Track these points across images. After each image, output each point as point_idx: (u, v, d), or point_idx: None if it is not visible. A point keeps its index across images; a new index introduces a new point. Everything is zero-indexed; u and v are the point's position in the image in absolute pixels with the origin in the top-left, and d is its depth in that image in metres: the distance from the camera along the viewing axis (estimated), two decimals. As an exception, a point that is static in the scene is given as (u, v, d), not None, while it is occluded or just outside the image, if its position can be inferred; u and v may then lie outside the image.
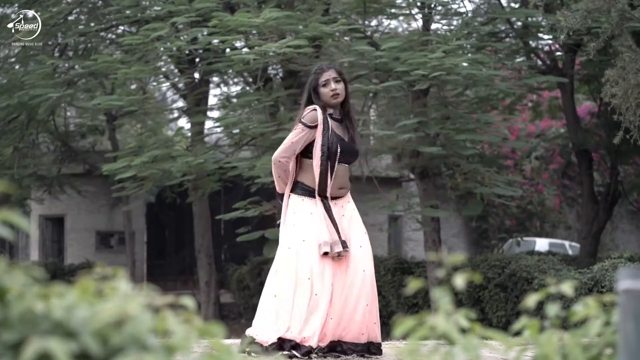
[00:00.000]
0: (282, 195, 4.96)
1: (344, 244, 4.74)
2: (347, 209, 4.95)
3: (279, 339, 4.62)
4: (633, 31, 8.15)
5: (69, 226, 18.13)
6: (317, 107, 4.84)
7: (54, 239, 18.57)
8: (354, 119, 4.99)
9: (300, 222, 4.81)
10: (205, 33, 9.45)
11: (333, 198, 4.88)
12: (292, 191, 4.92)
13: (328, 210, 4.81)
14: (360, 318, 4.70)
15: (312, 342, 4.59)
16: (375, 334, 4.76)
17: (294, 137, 4.84)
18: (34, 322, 1.43)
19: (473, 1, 12.42)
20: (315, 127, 4.81)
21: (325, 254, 4.69)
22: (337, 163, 4.83)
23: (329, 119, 4.85)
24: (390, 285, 11.99)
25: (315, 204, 4.81)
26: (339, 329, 4.68)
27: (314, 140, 4.82)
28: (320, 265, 4.70)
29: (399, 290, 11.79)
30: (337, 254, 4.70)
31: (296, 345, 4.60)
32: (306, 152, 4.87)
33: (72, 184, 15.96)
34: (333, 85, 4.83)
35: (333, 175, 4.83)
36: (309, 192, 4.85)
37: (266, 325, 4.70)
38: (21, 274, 1.51)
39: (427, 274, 10.64)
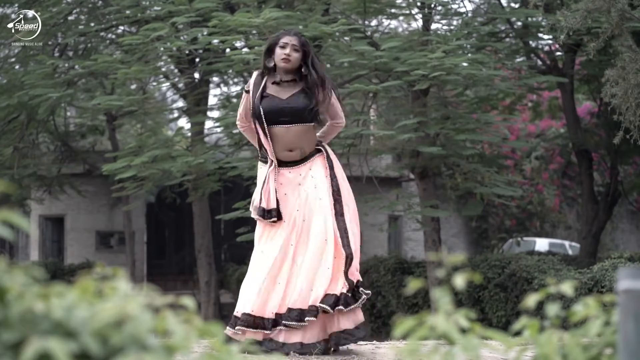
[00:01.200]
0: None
1: (267, 213, 4.72)
2: (306, 178, 4.81)
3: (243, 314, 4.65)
4: (633, 31, 8.15)
5: (69, 226, 18.14)
6: (256, 72, 4.87)
7: (54, 239, 18.57)
8: (316, 84, 4.80)
9: (257, 189, 4.85)
10: (205, 33, 9.44)
11: (289, 164, 4.81)
12: (258, 158, 4.97)
13: (271, 175, 4.77)
14: (324, 280, 4.63)
15: (268, 314, 4.60)
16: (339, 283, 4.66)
17: (242, 103, 4.94)
18: (34, 322, 1.43)
19: (473, 1, 12.42)
20: (248, 91, 4.86)
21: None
22: (268, 124, 4.75)
23: (265, 82, 4.81)
24: (390, 285, 12.00)
25: (268, 170, 4.81)
26: (304, 296, 4.63)
27: None
28: (262, 231, 4.77)
29: (399, 290, 11.79)
30: (259, 217, 4.73)
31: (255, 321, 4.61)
32: None
33: (72, 184, 15.96)
34: (287, 50, 4.76)
35: (268, 138, 4.76)
36: (265, 158, 4.85)
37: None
38: (21, 274, 1.51)
39: (427, 274, 10.64)
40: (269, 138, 4.77)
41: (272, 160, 4.78)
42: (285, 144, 4.77)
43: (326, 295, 4.58)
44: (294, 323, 4.57)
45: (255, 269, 4.75)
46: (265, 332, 4.60)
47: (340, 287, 4.61)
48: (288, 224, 4.73)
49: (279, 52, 4.78)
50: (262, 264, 4.70)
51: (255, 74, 4.88)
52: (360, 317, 4.75)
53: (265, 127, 4.76)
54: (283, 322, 4.59)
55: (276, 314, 4.62)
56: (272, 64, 4.81)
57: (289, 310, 4.61)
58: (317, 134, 4.99)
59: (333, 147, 10.42)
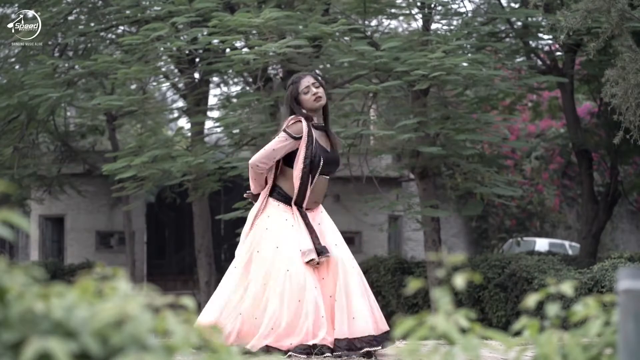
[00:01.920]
0: (256, 195, 4.97)
1: (324, 249, 4.75)
2: (319, 216, 4.96)
3: (267, 346, 4.60)
4: (633, 31, 8.15)
5: (69, 226, 18.13)
6: (301, 118, 4.85)
7: (54, 239, 18.56)
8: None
9: (274, 228, 4.79)
10: (205, 33, 9.44)
11: (307, 208, 4.91)
12: (270, 194, 4.91)
13: (305, 217, 4.82)
14: (368, 311, 4.71)
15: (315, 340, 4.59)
16: (385, 324, 4.79)
17: (276, 145, 4.83)
18: (34, 322, 1.43)
19: (473, 1, 12.42)
20: (300, 138, 4.81)
21: (310, 260, 4.70)
22: (317, 174, 4.86)
23: (312, 130, 4.86)
24: (390, 285, 11.99)
25: (291, 212, 4.83)
26: (346, 327, 4.66)
27: (296, 150, 4.81)
28: (300, 270, 4.70)
29: (399, 290, 11.79)
30: (315, 262, 4.71)
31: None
32: (288, 160, 4.87)
33: (72, 184, 15.95)
34: (314, 90, 4.86)
35: (312, 187, 4.85)
36: (285, 199, 4.86)
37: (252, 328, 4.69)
38: (21, 274, 1.51)
39: (427, 274, 10.64)
40: (311, 188, 4.85)
41: (300, 207, 4.85)
42: (318, 195, 4.92)
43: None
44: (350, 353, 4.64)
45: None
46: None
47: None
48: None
49: (307, 98, 4.87)
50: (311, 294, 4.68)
51: (303, 122, 4.84)
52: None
53: (316, 178, 4.85)
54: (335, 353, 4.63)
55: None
56: (304, 114, 4.88)
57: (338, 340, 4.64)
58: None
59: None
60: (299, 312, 4.60)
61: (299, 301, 4.61)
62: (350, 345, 4.63)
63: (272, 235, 4.77)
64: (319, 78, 5.00)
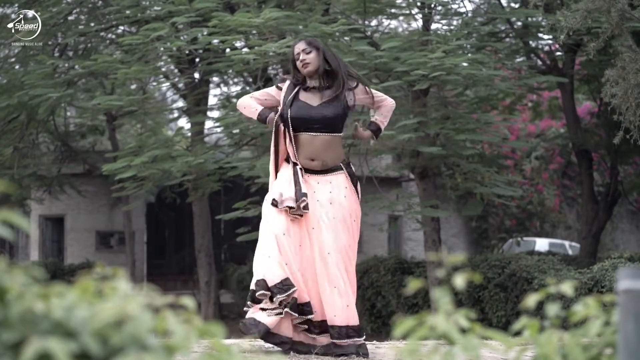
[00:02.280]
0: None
1: (303, 195, 4.70)
2: (322, 189, 4.82)
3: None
4: (633, 31, 8.15)
5: (69, 226, 18.14)
6: (289, 78, 4.96)
7: (54, 239, 18.57)
8: (345, 83, 4.88)
9: (273, 186, 4.85)
10: (205, 33, 9.44)
11: (313, 172, 4.84)
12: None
13: (295, 174, 4.78)
14: (328, 299, 4.68)
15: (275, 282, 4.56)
16: (348, 318, 4.72)
17: (265, 90, 5.04)
18: (34, 322, 1.43)
19: (473, 1, 12.42)
20: (279, 89, 4.94)
21: (275, 205, 4.68)
22: (295, 131, 4.82)
23: (297, 89, 4.89)
24: (390, 285, 11.99)
25: (292, 169, 4.83)
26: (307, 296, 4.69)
27: None
28: (280, 222, 4.69)
29: (399, 290, 11.79)
30: (286, 207, 4.67)
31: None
32: None
33: (72, 184, 15.96)
34: (302, 56, 4.86)
35: (292, 144, 4.81)
36: (289, 160, 4.89)
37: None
38: (21, 274, 1.51)
39: (427, 274, 10.64)
40: (293, 144, 4.82)
41: (296, 163, 4.82)
42: (308, 152, 4.82)
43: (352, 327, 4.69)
44: (347, 340, 4.66)
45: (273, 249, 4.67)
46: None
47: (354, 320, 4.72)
48: (304, 223, 4.76)
49: (298, 64, 4.90)
50: (288, 246, 4.66)
51: (288, 80, 4.96)
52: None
53: (291, 133, 4.81)
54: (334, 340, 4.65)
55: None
56: (300, 77, 4.92)
57: (332, 326, 4.66)
58: (374, 118, 5.05)
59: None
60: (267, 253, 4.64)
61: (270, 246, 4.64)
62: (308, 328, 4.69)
63: (269, 192, 4.84)
64: (313, 43, 4.94)
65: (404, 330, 1.79)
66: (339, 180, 4.86)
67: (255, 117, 4.99)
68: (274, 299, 4.54)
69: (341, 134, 4.93)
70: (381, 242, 18.11)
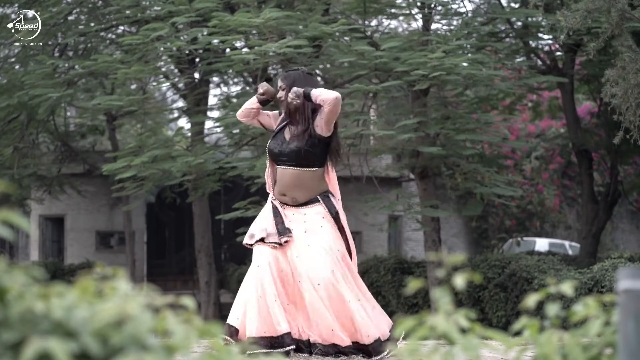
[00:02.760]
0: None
1: (287, 231, 4.77)
2: (300, 220, 4.87)
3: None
4: (633, 31, 8.15)
5: (69, 226, 18.13)
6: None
7: (54, 239, 18.57)
8: (305, 118, 4.86)
9: (256, 220, 4.95)
10: (205, 33, 9.44)
11: (291, 206, 4.91)
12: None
13: (274, 208, 4.86)
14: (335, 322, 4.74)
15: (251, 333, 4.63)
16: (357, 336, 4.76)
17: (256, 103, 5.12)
18: (34, 322, 1.43)
19: (473, 1, 12.42)
20: (273, 113, 5.09)
21: (260, 240, 4.76)
22: (274, 165, 4.95)
23: (283, 124, 4.97)
24: (390, 285, 11.99)
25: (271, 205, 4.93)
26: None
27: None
28: (262, 259, 4.77)
29: (399, 290, 11.79)
30: (260, 240, 4.75)
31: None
32: None
33: (72, 184, 15.96)
34: (279, 94, 4.98)
35: (272, 177, 4.96)
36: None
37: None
38: (21, 274, 1.51)
39: (427, 274, 10.64)
40: (272, 176, 4.96)
41: (273, 196, 4.92)
42: (280, 186, 4.90)
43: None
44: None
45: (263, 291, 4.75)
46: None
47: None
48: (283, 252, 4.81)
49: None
50: (269, 282, 4.74)
51: (281, 115, 5.05)
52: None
53: (275, 167, 4.95)
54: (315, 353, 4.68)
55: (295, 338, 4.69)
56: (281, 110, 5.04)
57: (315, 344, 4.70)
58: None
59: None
60: (260, 303, 4.70)
61: (260, 297, 4.69)
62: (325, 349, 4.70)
63: (264, 222, 4.89)
64: (286, 78, 4.98)
65: (404, 330, 1.79)
66: (314, 212, 4.88)
67: (254, 102, 5.05)
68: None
69: (315, 169, 4.87)
70: (381, 242, 18.10)
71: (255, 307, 4.66)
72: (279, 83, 4.99)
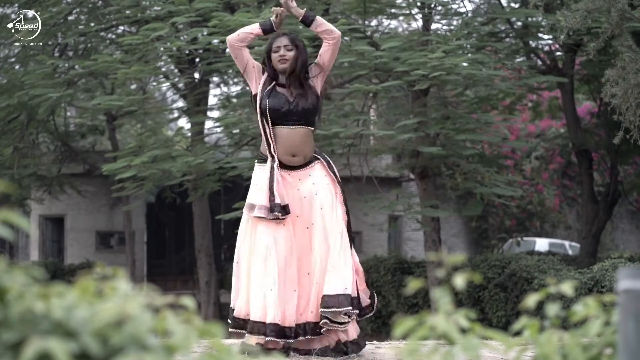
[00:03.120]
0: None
1: (277, 207, 4.59)
2: (304, 184, 4.74)
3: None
4: (633, 31, 8.15)
5: (69, 226, 18.13)
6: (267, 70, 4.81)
7: (54, 239, 18.57)
8: (307, 84, 4.77)
9: (255, 189, 4.75)
10: (205, 33, 9.44)
11: (289, 168, 4.73)
12: (256, 161, 4.85)
13: (272, 171, 4.65)
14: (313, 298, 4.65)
15: (259, 318, 4.55)
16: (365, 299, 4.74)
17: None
18: (34, 322, 1.43)
19: (473, 1, 12.41)
20: (262, 70, 4.78)
21: (259, 217, 4.62)
22: (272, 123, 4.68)
23: (273, 83, 4.76)
24: (390, 285, 11.99)
25: (268, 171, 4.68)
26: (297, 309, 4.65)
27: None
28: (255, 235, 4.67)
29: (399, 290, 11.79)
30: (261, 216, 4.60)
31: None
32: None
33: (72, 184, 15.96)
34: (282, 52, 4.74)
35: (271, 137, 4.68)
36: (264, 160, 4.74)
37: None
38: (21, 274, 1.51)
39: (427, 274, 10.64)
40: (272, 138, 4.69)
41: (274, 160, 4.67)
42: (288, 147, 4.69)
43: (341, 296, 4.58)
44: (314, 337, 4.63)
45: (263, 271, 4.61)
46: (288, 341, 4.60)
47: (351, 289, 4.62)
48: (289, 227, 4.67)
49: (274, 57, 4.76)
50: (271, 264, 4.59)
51: (266, 73, 4.80)
52: (357, 327, 4.81)
53: (270, 126, 4.69)
54: (303, 335, 4.61)
55: (296, 324, 4.61)
56: (271, 71, 4.78)
57: (306, 323, 4.62)
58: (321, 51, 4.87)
59: (333, 147, 10.42)
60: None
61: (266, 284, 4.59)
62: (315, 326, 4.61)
63: (257, 194, 4.72)
64: (295, 40, 4.82)
65: (404, 330, 1.79)
66: (318, 171, 4.77)
67: (256, 28, 4.82)
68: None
69: (313, 128, 4.82)
70: (381, 242, 18.10)
71: (261, 294, 4.58)
72: (285, 41, 4.76)
